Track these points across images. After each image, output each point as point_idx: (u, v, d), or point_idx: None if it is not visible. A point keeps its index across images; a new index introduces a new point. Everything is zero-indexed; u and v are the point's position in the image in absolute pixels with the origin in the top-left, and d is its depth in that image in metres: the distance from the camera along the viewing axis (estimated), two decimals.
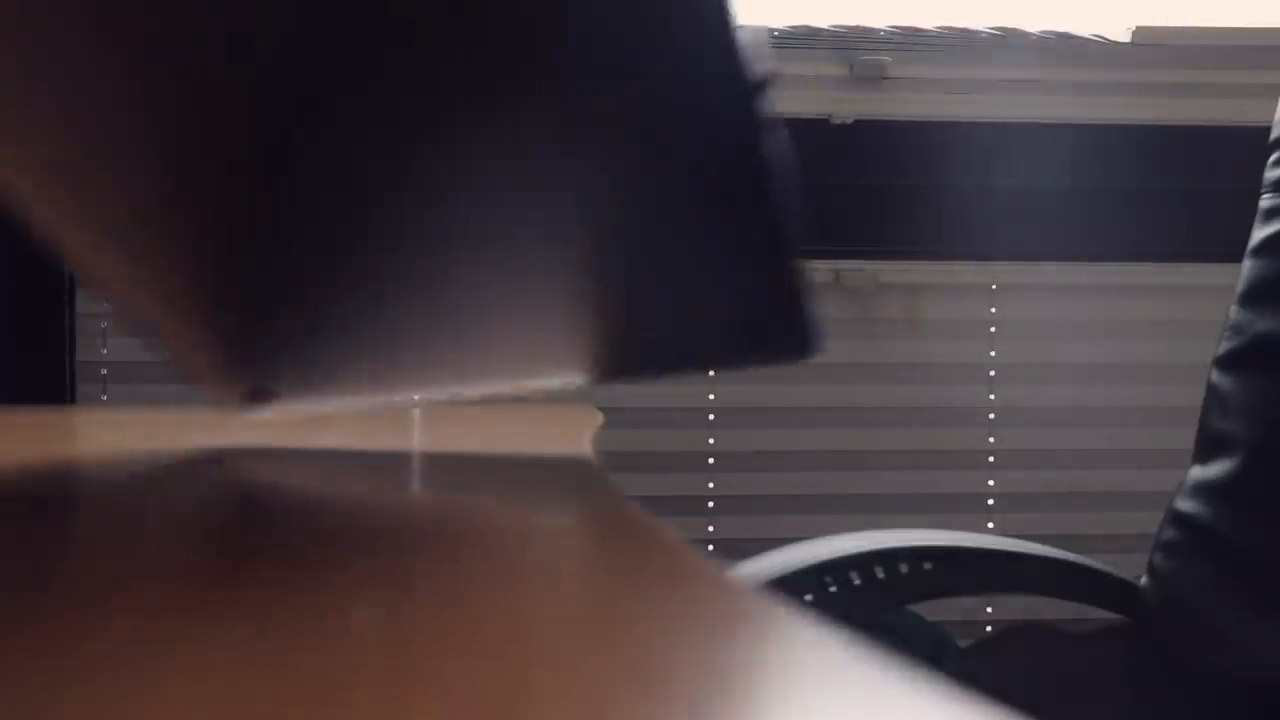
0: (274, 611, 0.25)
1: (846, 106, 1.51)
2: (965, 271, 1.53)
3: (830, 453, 1.53)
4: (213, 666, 0.21)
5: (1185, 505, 0.75)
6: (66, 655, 0.22)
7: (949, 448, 1.54)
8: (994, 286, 1.54)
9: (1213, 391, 0.77)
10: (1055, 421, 1.54)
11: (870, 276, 1.52)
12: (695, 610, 0.25)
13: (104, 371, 1.45)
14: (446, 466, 0.39)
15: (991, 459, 1.54)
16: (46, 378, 1.44)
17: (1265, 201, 0.76)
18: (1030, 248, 1.54)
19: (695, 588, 0.27)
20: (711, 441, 1.51)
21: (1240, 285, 0.77)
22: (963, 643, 1.43)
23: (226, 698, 0.20)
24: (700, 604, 0.26)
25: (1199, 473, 0.75)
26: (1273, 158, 0.76)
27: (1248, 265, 0.77)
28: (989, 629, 1.50)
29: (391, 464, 0.37)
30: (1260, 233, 0.76)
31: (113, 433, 0.49)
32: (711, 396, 1.51)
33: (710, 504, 1.51)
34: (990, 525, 1.54)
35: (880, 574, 0.78)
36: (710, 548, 1.50)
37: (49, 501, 0.35)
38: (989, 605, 1.51)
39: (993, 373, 1.54)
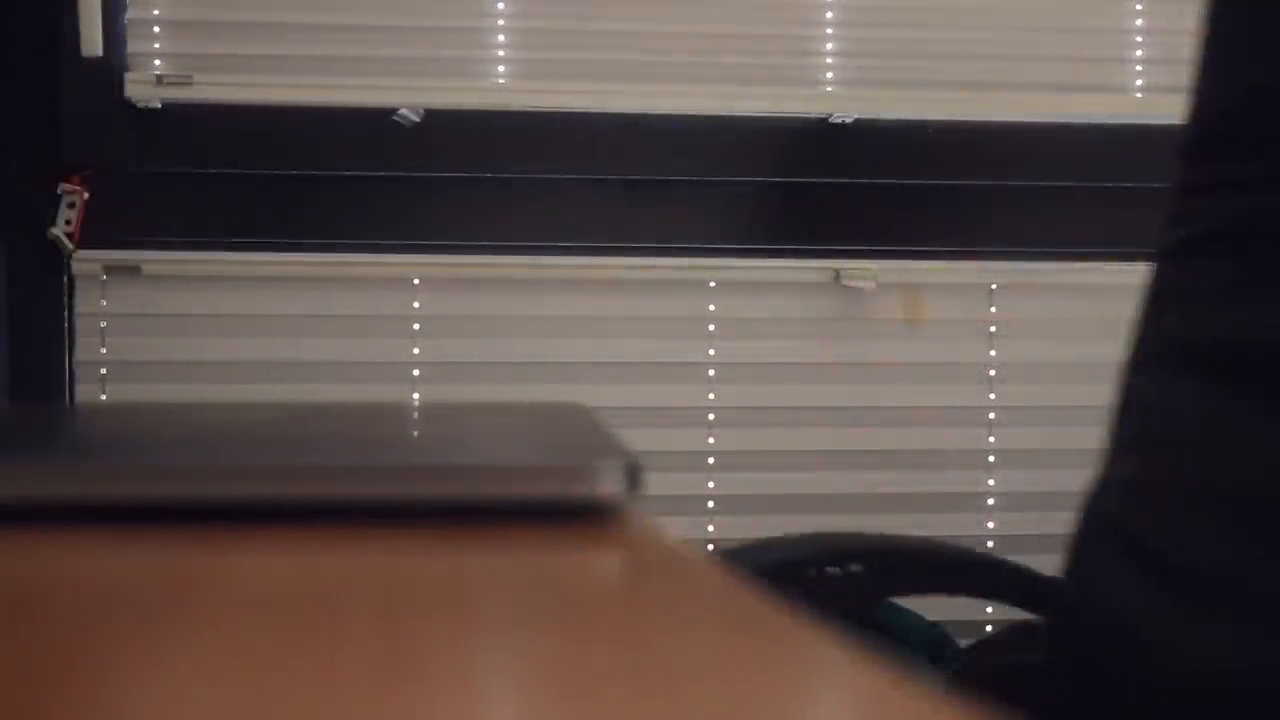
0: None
1: (846, 105, 1.50)
2: (965, 271, 1.53)
3: (830, 453, 1.52)
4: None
5: (1098, 503, 0.75)
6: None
7: (948, 447, 1.53)
8: (994, 286, 1.54)
9: (1124, 391, 0.77)
10: (1055, 421, 1.54)
11: (870, 276, 1.51)
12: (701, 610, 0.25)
13: (103, 371, 1.45)
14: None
15: (991, 459, 1.54)
16: (45, 377, 1.44)
17: (1175, 203, 0.77)
18: (1030, 247, 1.54)
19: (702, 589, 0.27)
20: (711, 441, 1.51)
21: (1149, 286, 0.78)
22: (963, 643, 1.43)
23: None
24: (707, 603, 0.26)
25: (1112, 470, 0.75)
26: (1182, 160, 0.76)
27: (1156, 266, 0.78)
28: (990, 628, 1.50)
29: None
30: (1170, 234, 0.77)
31: None
32: (711, 396, 1.51)
33: (710, 504, 1.51)
34: (990, 525, 1.54)
35: (811, 574, 0.78)
36: (710, 548, 1.50)
37: None
38: (990, 605, 1.51)
39: (993, 372, 1.54)
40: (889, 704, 0.19)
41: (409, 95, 1.46)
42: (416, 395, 1.47)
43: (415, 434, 0.46)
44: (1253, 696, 0.60)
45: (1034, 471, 1.54)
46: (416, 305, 1.47)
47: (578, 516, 0.37)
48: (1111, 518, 0.72)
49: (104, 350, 1.45)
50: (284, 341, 1.46)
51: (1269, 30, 0.67)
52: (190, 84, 1.43)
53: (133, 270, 1.44)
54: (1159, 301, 0.76)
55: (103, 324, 1.45)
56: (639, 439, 1.49)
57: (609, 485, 0.36)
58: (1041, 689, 0.74)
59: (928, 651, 1.30)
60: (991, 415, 1.54)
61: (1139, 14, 1.55)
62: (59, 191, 1.43)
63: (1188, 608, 0.63)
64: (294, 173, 1.46)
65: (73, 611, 0.25)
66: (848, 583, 0.77)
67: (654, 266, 1.49)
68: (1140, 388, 0.75)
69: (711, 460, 1.51)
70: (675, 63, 1.50)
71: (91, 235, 1.44)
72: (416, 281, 1.47)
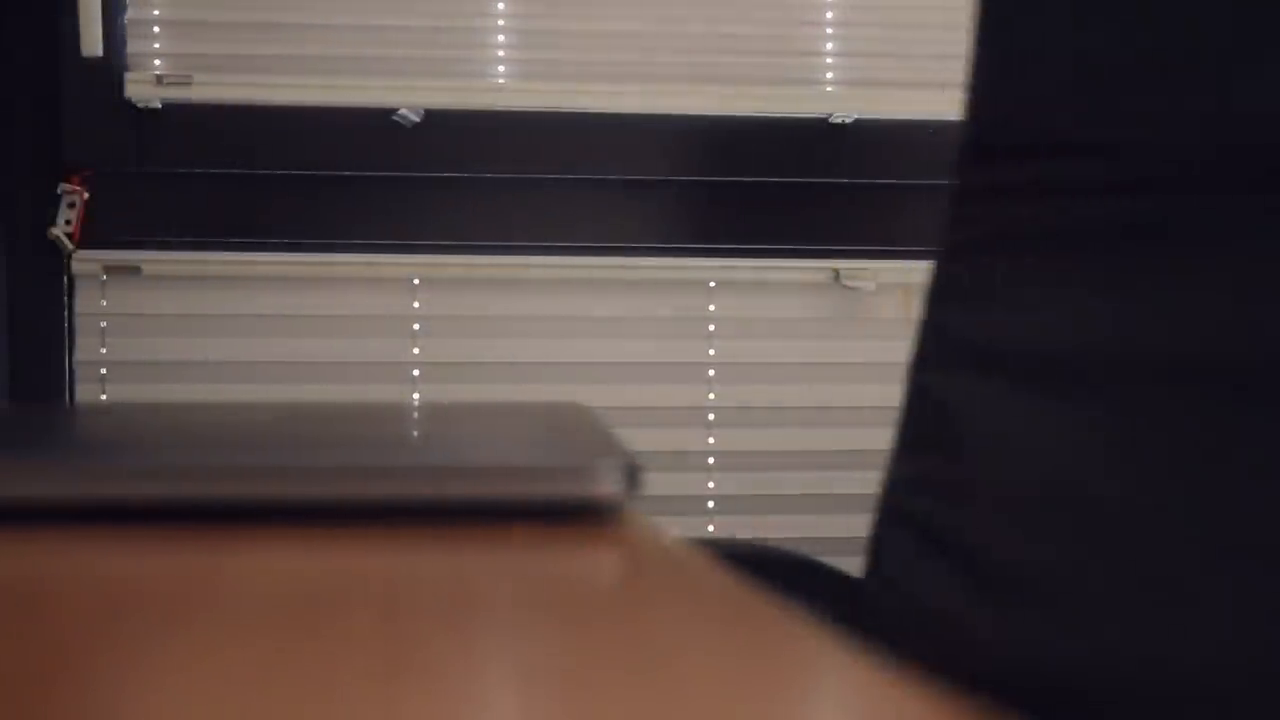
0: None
1: (846, 105, 1.50)
2: None
3: (830, 453, 1.52)
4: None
5: (892, 503, 0.76)
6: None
7: None
8: None
9: (910, 389, 0.79)
10: None
11: (870, 276, 1.51)
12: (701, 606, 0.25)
13: (103, 371, 1.45)
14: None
15: None
16: (45, 377, 1.44)
17: (954, 205, 0.78)
18: None
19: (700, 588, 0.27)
20: (711, 441, 1.51)
21: (930, 285, 0.79)
22: None
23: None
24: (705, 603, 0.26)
25: (902, 469, 0.76)
26: (959, 161, 0.77)
27: (937, 266, 0.79)
28: None
29: None
30: (951, 235, 0.78)
31: None
32: (711, 396, 1.51)
33: (710, 504, 1.51)
34: None
35: None
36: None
37: None
38: None
39: None
40: (888, 703, 0.19)
41: (409, 95, 1.46)
42: (416, 395, 1.47)
43: (415, 434, 0.46)
44: (1068, 690, 0.61)
45: None
46: (416, 305, 1.47)
47: (578, 516, 0.37)
48: (909, 517, 0.72)
49: (104, 350, 1.45)
50: (284, 341, 1.46)
51: (1037, 39, 0.68)
52: (190, 84, 1.43)
53: (133, 270, 1.44)
54: (941, 301, 0.78)
55: (103, 324, 1.45)
56: (639, 439, 1.49)
57: (609, 485, 0.36)
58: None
59: None
60: None
61: None
62: (59, 191, 1.43)
63: (1001, 605, 0.64)
64: (294, 173, 1.46)
65: (72, 611, 0.25)
66: None
67: (654, 266, 1.49)
68: (926, 386, 0.76)
69: (711, 460, 1.51)
70: (675, 63, 1.50)
71: (91, 235, 1.44)
72: (416, 281, 1.47)
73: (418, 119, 1.47)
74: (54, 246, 1.43)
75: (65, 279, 1.44)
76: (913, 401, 0.77)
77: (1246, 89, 0.60)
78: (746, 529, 1.50)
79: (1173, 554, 0.59)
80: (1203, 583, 0.58)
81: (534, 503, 0.36)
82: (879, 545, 0.75)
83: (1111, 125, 0.65)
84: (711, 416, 1.51)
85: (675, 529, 1.48)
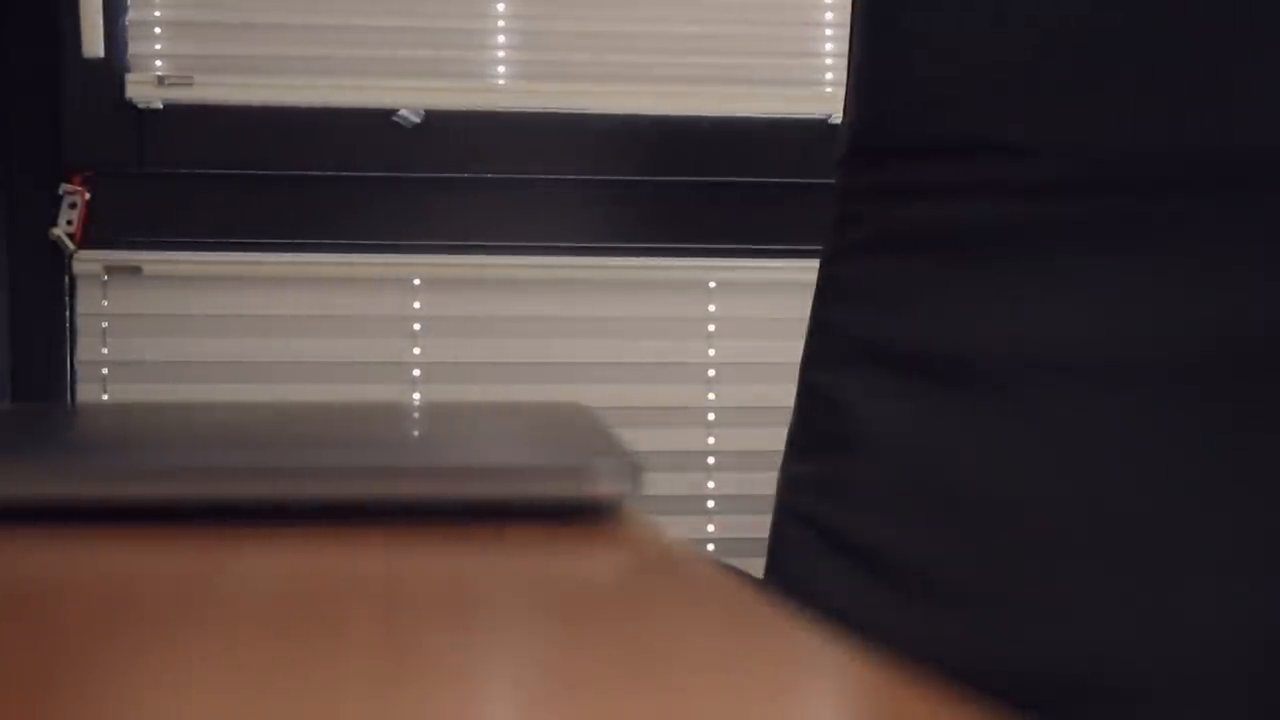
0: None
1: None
2: None
3: None
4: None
5: (790, 503, 0.76)
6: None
7: None
8: None
9: (802, 389, 0.79)
10: None
11: None
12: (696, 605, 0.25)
13: (104, 371, 1.45)
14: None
15: None
16: (46, 377, 1.44)
17: (838, 205, 0.77)
18: None
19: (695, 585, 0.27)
20: (711, 441, 1.51)
21: (819, 285, 0.79)
22: None
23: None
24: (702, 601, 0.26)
25: (797, 468, 0.76)
26: (843, 163, 0.77)
27: (824, 266, 0.79)
28: None
29: None
30: (837, 236, 0.78)
31: None
32: (711, 396, 1.51)
33: (710, 504, 1.51)
34: None
35: None
36: (710, 548, 1.50)
37: None
38: None
39: None
40: (889, 703, 0.19)
41: (409, 95, 1.46)
42: (416, 395, 1.47)
43: (415, 434, 0.46)
44: (973, 686, 0.61)
45: None
46: (416, 305, 1.47)
47: (578, 516, 0.37)
48: (806, 517, 0.72)
49: (105, 350, 1.45)
50: (284, 341, 1.46)
51: (923, 41, 0.68)
52: (191, 85, 1.43)
53: (134, 270, 1.44)
54: (828, 301, 0.78)
55: (104, 324, 1.45)
56: (639, 439, 1.49)
57: (609, 485, 0.36)
58: None
59: None
60: None
61: None
62: (60, 192, 1.43)
63: (901, 603, 0.64)
64: (294, 173, 1.46)
65: (72, 611, 0.25)
66: None
67: (654, 266, 1.49)
68: (815, 385, 0.77)
69: (711, 460, 1.51)
70: (675, 63, 1.50)
71: (93, 235, 1.44)
72: (416, 281, 1.47)
73: (418, 120, 1.47)
74: (55, 247, 1.43)
75: (66, 279, 1.44)
76: (802, 400, 0.78)
77: (1134, 96, 0.60)
78: (746, 529, 1.50)
79: (1064, 547, 0.59)
80: (1094, 576, 0.58)
81: (534, 502, 0.36)
82: (778, 546, 0.75)
83: (1002, 128, 0.65)
84: (711, 416, 1.51)
85: (675, 529, 1.48)
